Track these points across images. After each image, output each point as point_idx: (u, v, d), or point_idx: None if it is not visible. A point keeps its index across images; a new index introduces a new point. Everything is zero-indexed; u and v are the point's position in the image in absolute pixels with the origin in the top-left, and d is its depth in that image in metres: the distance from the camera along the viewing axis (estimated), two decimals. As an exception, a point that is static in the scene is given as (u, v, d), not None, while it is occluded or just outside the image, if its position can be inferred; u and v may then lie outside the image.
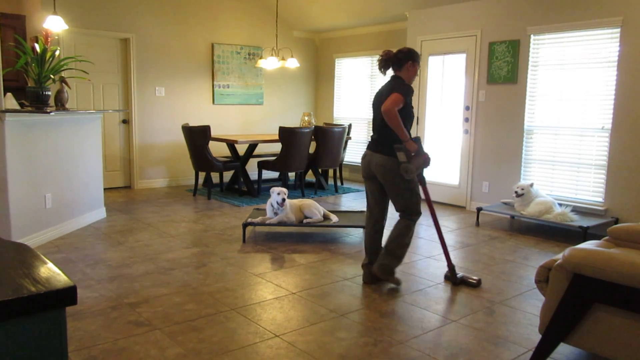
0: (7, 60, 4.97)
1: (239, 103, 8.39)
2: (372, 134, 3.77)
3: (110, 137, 7.26)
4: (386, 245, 3.72)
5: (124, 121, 7.41)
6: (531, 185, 5.49)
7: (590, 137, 5.42)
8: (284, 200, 4.74)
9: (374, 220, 3.84)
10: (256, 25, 8.41)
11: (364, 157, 3.76)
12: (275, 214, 4.80)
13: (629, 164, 5.07)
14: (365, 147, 3.81)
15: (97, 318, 3.06)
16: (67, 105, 5.22)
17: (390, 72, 3.72)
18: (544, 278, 2.56)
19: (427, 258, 4.43)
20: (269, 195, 4.88)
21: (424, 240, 5.01)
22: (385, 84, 3.69)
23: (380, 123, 3.60)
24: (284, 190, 4.77)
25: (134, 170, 7.46)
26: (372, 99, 3.77)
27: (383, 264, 3.67)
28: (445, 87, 6.74)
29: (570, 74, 5.52)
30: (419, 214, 3.68)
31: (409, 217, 3.67)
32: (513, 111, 5.98)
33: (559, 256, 2.49)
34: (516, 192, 5.51)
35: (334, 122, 9.00)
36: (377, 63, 3.71)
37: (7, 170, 4.12)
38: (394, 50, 3.70)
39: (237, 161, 7.16)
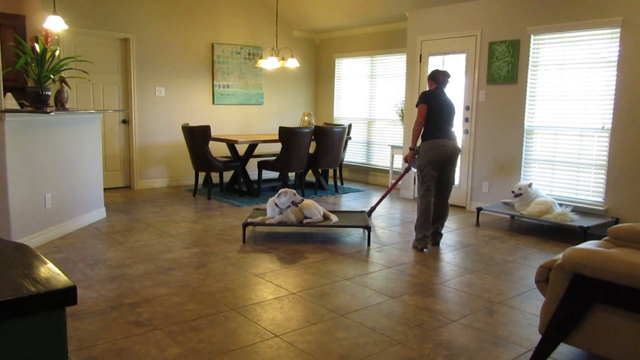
0: (7, 60, 4.96)
1: (239, 103, 8.38)
2: (445, 127, 4.61)
3: (110, 137, 7.26)
4: (444, 219, 4.79)
5: (124, 121, 7.41)
6: (529, 185, 5.48)
7: (590, 137, 5.42)
8: (302, 200, 4.83)
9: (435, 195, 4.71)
10: (256, 25, 8.42)
11: (443, 145, 4.53)
12: (280, 213, 4.80)
13: (629, 164, 5.07)
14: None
15: (97, 318, 3.06)
16: (67, 105, 5.21)
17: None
18: (544, 278, 2.56)
19: (427, 258, 4.44)
20: (269, 195, 4.88)
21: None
22: (446, 96, 4.72)
23: (451, 122, 4.69)
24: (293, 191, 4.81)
25: (134, 170, 7.46)
26: (443, 103, 4.65)
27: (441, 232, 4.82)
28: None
29: (570, 74, 5.52)
30: None
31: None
32: (513, 111, 5.98)
33: (559, 256, 2.49)
34: (513, 192, 5.51)
35: (334, 122, 9.00)
36: (446, 79, 4.72)
37: (7, 170, 4.12)
38: (441, 71, 4.76)
39: (237, 161, 7.15)
